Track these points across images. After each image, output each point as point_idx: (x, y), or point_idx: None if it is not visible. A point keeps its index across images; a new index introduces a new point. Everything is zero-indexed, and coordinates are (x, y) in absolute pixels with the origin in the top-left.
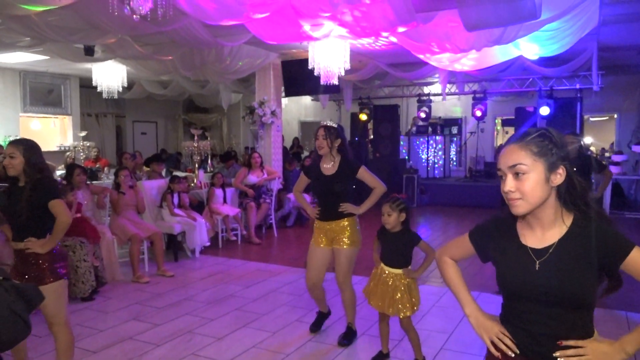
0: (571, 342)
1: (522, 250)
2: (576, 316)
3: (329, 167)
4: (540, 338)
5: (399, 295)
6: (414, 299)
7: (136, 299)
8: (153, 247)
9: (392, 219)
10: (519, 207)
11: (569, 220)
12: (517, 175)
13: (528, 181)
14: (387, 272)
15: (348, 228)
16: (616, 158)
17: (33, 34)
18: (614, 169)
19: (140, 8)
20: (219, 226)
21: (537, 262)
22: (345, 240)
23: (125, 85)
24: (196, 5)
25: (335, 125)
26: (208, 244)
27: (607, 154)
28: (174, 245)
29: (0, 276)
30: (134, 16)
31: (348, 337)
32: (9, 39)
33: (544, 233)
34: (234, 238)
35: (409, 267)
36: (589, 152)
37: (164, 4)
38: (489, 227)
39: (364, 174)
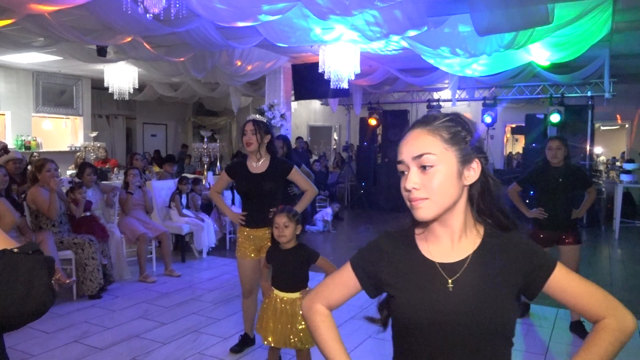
0: None
1: (428, 268)
2: (493, 354)
3: (257, 165)
4: None
5: (303, 325)
6: None
7: (143, 297)
8: (161, 247)
9: (289, 231)
10: (425, 210)
11: (482, 228)
12: (423, 168)
13: (437, 175)
14: (282, 298)
15: None
16: (627, 166)
17: (47, 34)
18: (624, 177)
19: (154, 7)
20: (226, 227)
21: (450, 280)
22: None
23: (137, 87)
24: (208, 6)
25: (264, 120)
26: (215, 244)
27: (617, 163)
28: (182, 246)
29: (32, 249)
30: (147, 15)
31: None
32: (24, 39)
33: (454, 245)
34: None
35: (308, 289)
36: (584, 163)
37: (177, 4)
38: (377, 246)
39: (296, 174)
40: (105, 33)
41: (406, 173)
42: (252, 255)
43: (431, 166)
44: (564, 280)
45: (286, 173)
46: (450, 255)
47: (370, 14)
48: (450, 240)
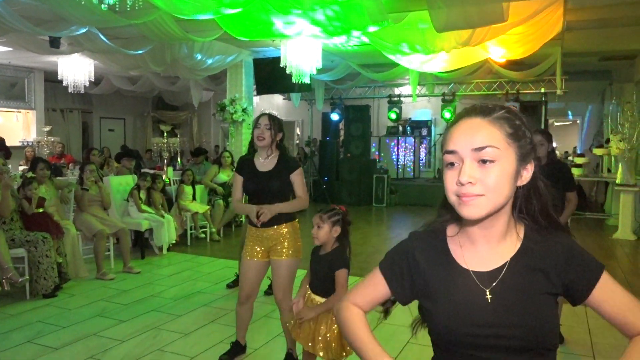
0: None
1: (463, 277)
2: None
3: (265, 162)
4: None
5: (323, 328)
6: (345, 342)
7: (101, 295)
8: (119, 243)
9: (322, 232)
10: (478, 208)
11: (522, 230)
12: (482, 162)
13: (496, 171)
14: (312, 299)
15: (288, 235)
16: (579, 160)
17: None
18: (576, 171)
19: None
20: (187, 223)
21: (487, 290)
22: (285, 250)
23: (93, 80)
24: None
25: (279, 116)
26: (175, 241)
27: (570, 157)
28: (141, 242)
29: None
30: (102, 6)
31: None
32: None
33: (491, 250)
34: (203, 235)
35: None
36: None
37: None
38: (407, 250)
39: (298, 176)
40: (58, 24)
41: (457, 165)
42: (260, 256)
43: (492, 161)
44: (607, 291)
45: (291, 171)
46: (486, 263)
47: (331, 9)
48: (487, 245)
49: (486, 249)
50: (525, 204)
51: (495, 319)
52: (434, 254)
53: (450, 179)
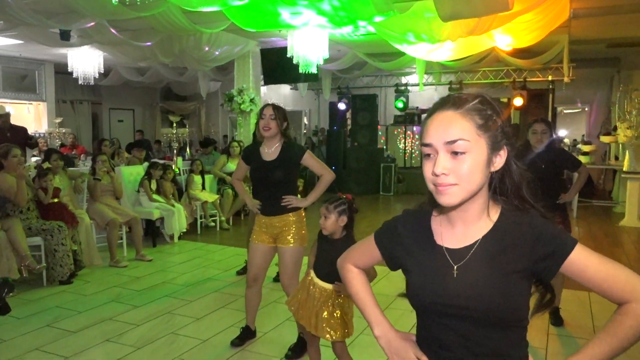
0: None
1: (436, 252)
2: (503, 338)
3: (270, 152)
4: None
5: (326, 314)
6: (347, 321)
7: (115, 282)
8: (131, 232)
9: (329, 223)
10: (453, 196)
11: (495, 213)
12: (454, 153)
13: (468, 161)
14: (315, 284)
15: (294, 224)
16: (586, 148)
17: (7, 17)
18: (583, 159)
19: None
20: (197, 212)
21: (455, 266)
22: (290, 238)
23: (102, 71)
24: None
25: (283, 106)
26: (186, 229)
27: (579, 145)
28: (153, 231)
29: None
30: (113, 0)
31: (299, 349)
32: None
33: (466, 230)
34: (213, 224)
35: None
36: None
37: None
38: (395, 226)
39: (310, 159)
40: (69, 16)
41: (433, 156)
42: (267, 241)
43: (463, 153)
44: (581, 264)
45: (298, 159)
46: (460, 241)
47: None
48: (463, 225)
49: (462, 229)
50: (499, 185)
51: (460, 292)
52: (417, 230)
53: (427, 170)
